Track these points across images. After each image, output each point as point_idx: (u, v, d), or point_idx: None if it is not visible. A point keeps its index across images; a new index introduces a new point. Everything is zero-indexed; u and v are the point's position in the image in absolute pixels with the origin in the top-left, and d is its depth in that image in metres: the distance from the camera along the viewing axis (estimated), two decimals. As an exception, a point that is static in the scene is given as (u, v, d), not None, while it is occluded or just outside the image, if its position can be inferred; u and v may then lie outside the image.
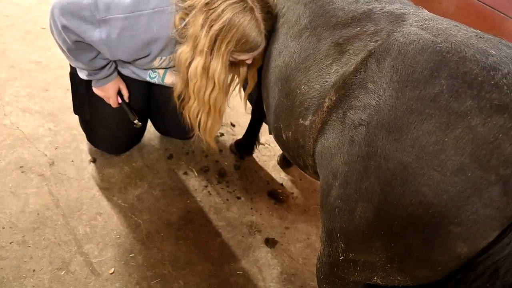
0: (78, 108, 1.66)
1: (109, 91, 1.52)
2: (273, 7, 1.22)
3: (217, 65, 1.20)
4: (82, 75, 1.45)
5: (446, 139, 0.66)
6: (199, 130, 1.44)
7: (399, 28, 0.84)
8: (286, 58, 1.10)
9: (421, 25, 0.82)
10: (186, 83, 1.31)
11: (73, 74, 1.55)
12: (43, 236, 1.49)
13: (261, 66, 1.36)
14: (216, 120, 1.40)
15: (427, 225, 0.69)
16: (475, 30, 0.80)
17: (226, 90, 1.34)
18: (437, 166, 0.67)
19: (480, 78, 0.67)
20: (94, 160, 1.80)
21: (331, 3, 1.05)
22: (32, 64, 2.25)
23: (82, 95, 1.59)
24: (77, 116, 1.74)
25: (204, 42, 1.15)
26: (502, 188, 0.63)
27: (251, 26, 1.14)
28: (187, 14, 1.18)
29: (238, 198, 1.85)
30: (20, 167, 1.69)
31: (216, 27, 1.13)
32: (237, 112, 2.26)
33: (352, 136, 0.81)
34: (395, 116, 0.73)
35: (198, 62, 1.20)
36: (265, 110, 1.34)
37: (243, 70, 1.45)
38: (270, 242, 1.68)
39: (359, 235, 0.82)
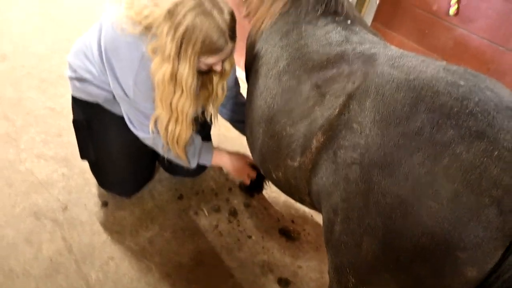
0: (84, 152, 1.76)
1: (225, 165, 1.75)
2: (226, 9, 1.27)
3: (185, 69, 1.27)
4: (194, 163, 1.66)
5: (436, 169, 0.72)
6: (167, 141, 1.48)
7: (372, 68, 0.93)
8: (268, 99, 1.19)
9: (392, 64, 0.90)
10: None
11: (75, 120, 1.68)
12: (55, 284, 1.53)
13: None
14: (184, 127, 1.44)
15: (433, 254, 0.74)
16: (441, 63, 0.88)
17: (194, 97, 1.38)
18: (432, 196, 0.72)
19: (455, 109, 0.74)
20: (105, 204, 1.87)
21: (306, 46, 1.15)
22: (47, 110, 2.39)
23: (86, 138, 1.69)
24: (88, 160, 1.83)
25: (171, 47, 1.23)
26: (497, 208, 0.68)
27: (213, 27, 1.21)
28: (153, 36, 1.28)
29: (249, 237, 1.88)
30: (34, 213, 1.76)
31: (180, 30, 1.20)
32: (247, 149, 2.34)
33: (347, 174, 0.87)
34: (384, 153, 0.79)
35: (166, 69, 1.27)
36: (249, 148, 1.40)
37: (214, 82, 1.52)
38: (283, 282, 1.68)
39: (368, 268, 0.86)
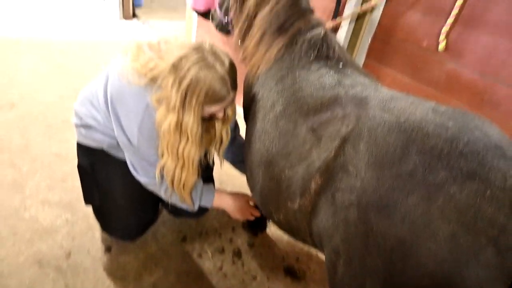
0: (88, 196, 1.78)
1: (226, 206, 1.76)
2: (227, 61, 1.34)
3: (190, 118, 1.32)
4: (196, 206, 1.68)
5: (432, 210, 0.74)
6: (173, 186, 1.51)
7: (365, 111, 0.96)
8: (266, 143, 1.22)
9: (383, 107, 0.94)
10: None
11: (80, 165, 1.71)
12: (58, 333, 1.50)
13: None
14: (190, 173, 1.47)
15: None
16: (430, 104, 0.91)
17: (198, 143, 1.42)
18: (430, 237, 0.73)
19: (446, 150, 0.76)
20: (109, 249, 1.86)
21: (300, 90, 1.20)
22: (53, 156, 2.44)
23: (91, 183, 1.72)
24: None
25: (176, 98, 1.28)
26: (495, 248, 0.68)
27: (215, 79, 1.28)
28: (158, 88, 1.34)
29: (254, 278, 1.85)
30: (38, 261, 1.75)
31: (185, 83, 1.26)
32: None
33: (345, 216, 0.88)
34: (380, 195, 0.81)
35: (171, 119, 1.32)
36: (249, 189, 1.42)
37: (217, 127, 1.57)
38: (291, 325, 1.64)
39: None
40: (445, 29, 1.79)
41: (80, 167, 1.74)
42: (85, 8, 5.14)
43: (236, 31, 1.57)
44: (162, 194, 1.60)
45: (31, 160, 2.37)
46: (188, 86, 1.27)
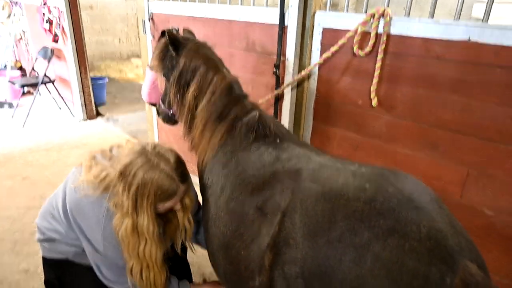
0: None
1: None
2: (172, 157, 1.42)
3: (144, 220, 1.37)
4: None
5: (363, 272, 0.80)
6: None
7: (297, 184, 1.07)
8: (221, 227, 1.29)
9: (311, 178, 1.05)
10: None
11: (46, 280, 1.71)
12: None
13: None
14: (157, 271, 1.47)
15: None
16: (352, 168, 1.02)
17: (158, 242, 1.45)
18: None
19: (366, 212, 0.85)
20: None
21: (244, 172, 1.30)
22: (21, 274, 2.37)
23: None
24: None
25: (127, 203, 1.34)
26: None
27: (162, 178, 1.35)
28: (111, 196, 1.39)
29: None
30: None
31: (133, 188, 1.33)
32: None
33: None
34: (318, 264, 0.87)
35: (127, 223, 1.36)
36: (216, 274, 1.44)
37: (179, 216, 1.59)
38: None
39: None
40: (373, 87, 2.00)
41: (46, 282, 1.70)
42: (48, 115, 5.30)
43: (182, 123, 1.70)
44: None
45: (-2, 283, 2.28)
46: (137, 190, 1.34)
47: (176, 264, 1.89)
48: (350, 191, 0.92)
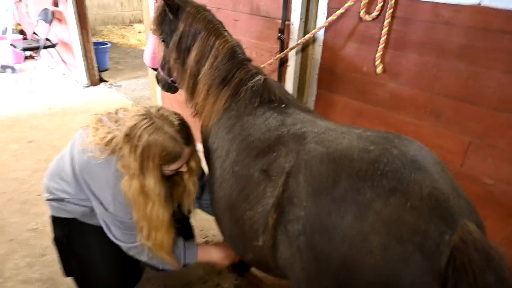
0: (67, 269, 1.78)
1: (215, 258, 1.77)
2: (176, 120, 1.42)
3: (150, 182, 1.39)
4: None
5: (365, 228, 0.82)
6: (153, 249, 1.53)
7: (302, 146, 1.07)
8: (227, 190, 1.30)
9: (316, 140, 1.04)
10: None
11: (55, 238, 1.73)
12: None
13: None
14: (164, 232, 1.51)
15: None
16: (357, 132, 1.02)
17: (164, 203, 1.47)
18: (367, 252, 0.81)
19: (369, 172, 0.86)
20: (95, 317, 1.83)
21: (249, 136, 1.30)
22: (30, 232, 2.43)
23: (68, 255, 1.73)
24: (73, 276, 1.84)
25: (134, 165, 1.36)
26: (421, 254, 0.76)
27: (166, 140, 1.36)
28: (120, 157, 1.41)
29: (245, 319, 1.85)
30: None
31: (139, 150, 1.35)
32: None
33: (298, 246, 0.96)
34: (320, 221, 0.89)
35: (134, 185, 1.39)
36: (222, 236, 1.47)
37: (185, 180, 1.61)
38: None
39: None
40: (378, 54, 1.95)
41: (56, 240, 1.75)
42: (51, 80, 5.25)
43: (184, 90, 1.68)
44: (143, 258, 1.63)
45: (8, 241, 2.35)
46: (142, 152, 1.35)
47: (181, 226, 1.94)
48: (355, 153, 0.92)
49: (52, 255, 2.21)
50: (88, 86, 5.06)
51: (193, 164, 1.60)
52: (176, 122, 1.40)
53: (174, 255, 1.64)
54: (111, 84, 5.23)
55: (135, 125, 1.36)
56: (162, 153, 1.36)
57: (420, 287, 0.76)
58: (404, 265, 0.77)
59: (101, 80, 5.29)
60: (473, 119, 1.76)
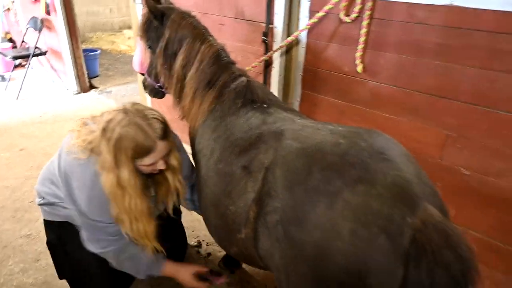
0: (61, 271, 1.84)
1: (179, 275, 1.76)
2: (152, 115, 1.45)
3: (125, 174, 1.43)
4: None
5: (334, 215, 0.88)
6: (137, 239, 1.58)
7: (280, 143, 1.14)
8: (211, 187, 1.37)
9: (293, 137, 1.12)
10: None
11: (48, 241, 1.79)
12: None
13: None
14: (145, 222, 1.55)
15: (355, 285, 0.86)
16: (330, 127, 1.09)
17: (141, 195, 1.51)
18: (336, 237, 0.88)
19: (339, 164, 0.93)
20: (90, 318, 1.88)
21: (232, 135, 1.37)
22: (23, 239, 2.47)
23: (61, 257, 1.78)
24: (67, 279, 1.88)
25: (109, 159, 1.41)
26: (385, 236, 0.83)
27: (137, 133, 1.39)
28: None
29: (237, 315, 1.90)
30: None
31: (112, 142, 1.39)
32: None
33: (276, 235, 1.02)
34: (295, 210, 0.96)
35: (111, 178, 1.43)
36: (208, 231, 1.53)
37: (169, 179, 1.64)
38: None
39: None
40: (358, 54, 2.03)
41: (49, 243, 1.80)
42: (41, 88, 5.28)
43: (171, 94, 1.74)
44: (114, 262, 1.68)
45: (2, 248, 2.39)
46: (115, 144, 1.39)
47: (171, 227, 1.99)
48: (326, 147, 0.99)
49: (46, 260, 2.26)
50: (79, 93, 5.09)
51: (174, 162, 1.61)
52: (150, 116, 1.43)
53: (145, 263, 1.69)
54: (101, 91, 5.27)
55: (110, 119, 1.41)
56: (133, 146, 1.39)
57: (385, 267, 0.82)
58: (370, 247, 0.83)
59: (91, 87, 5.33)
60: (449, 113, 1.84)
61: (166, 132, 1.48)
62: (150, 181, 1.67)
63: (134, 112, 1.43)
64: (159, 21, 1.67)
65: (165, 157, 1.54)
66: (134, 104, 1.48)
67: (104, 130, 1.41)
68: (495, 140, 1.74)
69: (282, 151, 1.09)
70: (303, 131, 1.13)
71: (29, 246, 2.39)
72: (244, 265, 2.20)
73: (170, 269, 1.78)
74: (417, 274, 0.80)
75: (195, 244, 2.44)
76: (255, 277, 2.14)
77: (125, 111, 1.43)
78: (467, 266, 0.81)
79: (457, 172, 1.90)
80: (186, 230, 2.28)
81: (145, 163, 1.48)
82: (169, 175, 1.66)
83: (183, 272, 1.79)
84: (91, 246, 1.63)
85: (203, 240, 2.47)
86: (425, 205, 0.85)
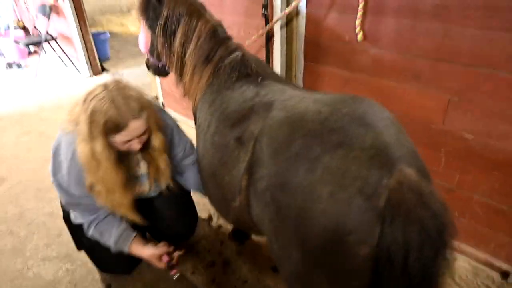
0: (78, 243, 1.98)
1: (143, 255, 1.79)
2: (130, 93, 1.48)
3: (98, 146, 1.46)
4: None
5: (315, 179, 0.93)
6: (113, 208, 1.66)
7: (268, 113, 1.19)
8: (209, 159, 1.42)
9: (280, 107, 1.15)
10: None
11: (64, 217, 1.93)
12: None
13: None
14: (120, 194, 1.61)
15: (334, 244, 0.92)
16: (317, 96, 1.11)
17: (116, 168, 1.55)
18: (317, 199, 0.93)
19: (319, 130, 0.97)
20: (109, 286, 2.03)
21: (227, 108, 1.41)
22: (46, 216, 2.63)
23: (77, 229, 1.89)
24: (87, 250, 2.02)
25: (84, 129, 1.44)
26: (362, 196, 0.88)
27: (112, 109, 1.41)
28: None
29: (245, 281, 2.02)
30: (46, 312, 1.92)
31: (87, 113, 1.42)
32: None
33: (265, 201, 1.08)
34: (280, 176, 1.02)
35: (86, 149, 1.47)
36: (209, 201, 1.61)
37: (155, 157, 1.70)
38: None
39: (302, 274, 1.03)
40: (357, 21, 2.01)
41: (65, 218, 1.93)
42: (56, 73, 5.42)
43: (173, 72, 1.79)
44: (89, 230, 1.79)
45: (27, 225, 2.57)
46: (89, 116, 1.42)
47: (182, 202, 2.08)
48: (308, 115, 1.03)
49: (67, 235, 2.40)
50: (91, 76, 5.22)
51: (155, 142, 1.63)
52: (129, 94, 1.45)
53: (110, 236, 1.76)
54: (113, 73, 5.37)
55: (91, 92, 1.45)
56: (105, 121, 1.41)
57: (363, 226, 0.87)
58: (348, 207, 0.88)
59: (103, 70, 5.43)
60: (450, 77, 1.82)
61: (141, 112, 1.48)
62: (141, 158, 1.74)
63: (113, 88, 1.45)
64: (157, 0, 1.70)
65: (141, 137, 1.54)
66: (118, 81, 1.50)
67: (84, 100, 1.45)
68: (498, 102, 1.72)
69: (269, 121, 1.13)
70: (290, 101, 1.17)
71: (51, 223, 2.56)
72: (253, 236, 2.28)
73: (136, 248, 1.81)
74: (391, 232, 0.84)
75: (207, 217, 2.55)
76: (264, 246, 2.23)
77: (105, 86, 1.46)
78: (441, 223, 0.84)
79: (460, 137, 1.90)
80: (197, 205, 2.38)
81: (117, 139, 1.49)
82: (155, 155, 1.70)
83: (147, 252, 1.79)
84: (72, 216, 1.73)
85: (214, 214, 2.58)
86: (401, 167, 0.88)
